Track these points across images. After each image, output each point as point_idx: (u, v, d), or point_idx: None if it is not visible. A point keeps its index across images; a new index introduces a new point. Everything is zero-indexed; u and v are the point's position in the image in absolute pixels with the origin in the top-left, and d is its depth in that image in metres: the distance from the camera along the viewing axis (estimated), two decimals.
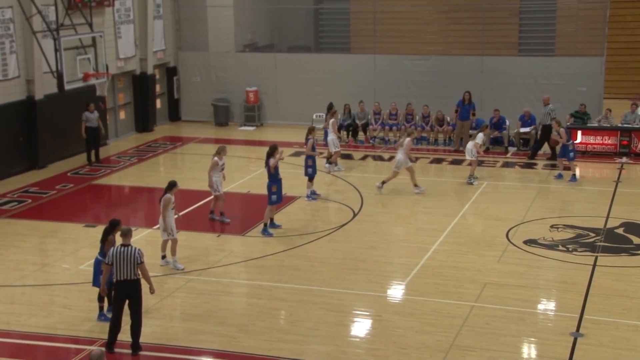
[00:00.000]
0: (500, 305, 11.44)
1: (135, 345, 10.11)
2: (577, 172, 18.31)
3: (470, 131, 20.52)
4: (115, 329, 10.06)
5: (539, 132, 20.34)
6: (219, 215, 15.30)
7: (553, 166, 19.49)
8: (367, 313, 11.42)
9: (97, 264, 10.97)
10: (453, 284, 12.25)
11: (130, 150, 21.69)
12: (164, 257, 13.18)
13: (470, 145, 18.02)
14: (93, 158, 20.08)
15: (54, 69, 17.27)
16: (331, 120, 19.09)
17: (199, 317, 11.17)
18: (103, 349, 9.44)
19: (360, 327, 11.13)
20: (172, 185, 12.74)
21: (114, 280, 10.00)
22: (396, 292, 12.24)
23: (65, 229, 15.05)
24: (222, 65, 25.02)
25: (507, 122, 21.34)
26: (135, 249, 9.94)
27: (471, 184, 17.70)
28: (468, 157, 18.06)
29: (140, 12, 23.34)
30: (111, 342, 10.08)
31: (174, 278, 12.64)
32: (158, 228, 13.24)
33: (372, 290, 12.11)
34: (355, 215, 15.71)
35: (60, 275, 12.85)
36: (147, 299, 11.49)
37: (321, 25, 29.55)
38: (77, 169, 19.59)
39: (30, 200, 16.97)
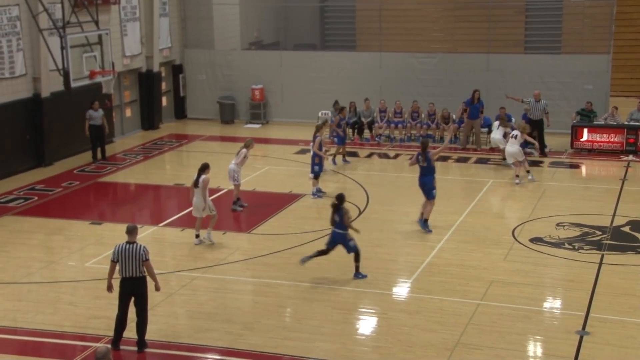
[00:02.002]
0: (507, 303, 11.42)
1: (141, 343, 10.13)
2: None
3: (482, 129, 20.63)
4: (120, 326, 10.09)
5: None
6: (237, 201, 15.89)
7: (556, 164, 19.45)
8: (373, 311, 11.41)
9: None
10: (459, 282, 12.23)
11: (136, 147, 21.72)
12: (197, 236, 13.90)
13: (513, 148, 17.65)
14: (99, 155, 20.13)
15: (60, 66, 17.31)
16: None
17: (205, 314, 11.19)
18: (109, 346, 9.45)
19: (366, 324, 11.13)
20: (205, 166, 13.76)
21: (120, 277, 10.01)
22: (402, 289, 12.23)
23: (71, 227, 15.09)
24: (227, 63, 25.03)
25: (513, 120, 21.27)
26: (140, 246, 9.95)
27: (533, 180, 17.61)
28: (515, 159, 17.66)
29: (146, 10, 23.37)
30: (117, 340, 10.10)
31: (179, 276, 12.66)
32: (191, 210, 14.10)
33: (378, 288, 12.11)
34: (361, 212, 15.71)
35: (66, 273, 12.89)
36: (152, 296, 11.50)
37: (327, 23, 29.52)
38: (83, 166, 19.64)
39: (36, 198, 17.02)
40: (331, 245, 12.50)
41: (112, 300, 10.68)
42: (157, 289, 10.23)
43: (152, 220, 15.64)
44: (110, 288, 10.13)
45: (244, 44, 26.74)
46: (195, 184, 13.77)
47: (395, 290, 12.21)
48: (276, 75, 24.60)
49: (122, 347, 10.12)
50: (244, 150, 15.74)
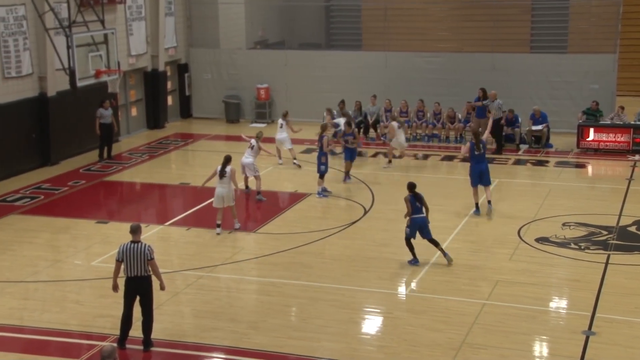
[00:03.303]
0: (512, 303, 11.40)
1: (147, 342, 10.15)
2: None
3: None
4: (126, 325, 10.10)
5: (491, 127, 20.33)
6: (257, 194, 16.47)
7: (562, 163, 19.42)
8: (378, 310, 11.41)
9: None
10: (464, 281, 12.22)
11: (142, 147, 21.75)
12: (219, 225, 14.43)
13: (400, 138, 18.88)
14: (105, 155, 20.17)
15: (66, 66, 17.34)
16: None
17: (210, 313, 11.20)
18: (114, 344, 9.47)
19: (371, 324, 11.12)
20: (230, 158, 14.51)
21: (125, 277, 10.02)
22: (407, 289, 12.22)
23: (77, 226, 15.12)
24: (233, 62, 25.05)
25: (520, 120, 21.26)
26: (145, 245, 9.97)
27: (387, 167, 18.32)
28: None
29: (151, 9, 23.39)
30: (123, 338, 10.12)
31: (185, 275, 12.67)
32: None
33: (383, 288, 12.10)
34: (366, 212, 15.70)
35: (72, 272, 12.91)
36: (158, 295, 11.52)
37: (332, 22, 29.50)
38: (89, 165, 19.68)
39: (42, 197, 17.06)
40: (414, 234, 12.85)
41: (118, 299, 10.69)
42: (162, 288, 10.25)
43: (157, 220, 15.66)
44: (115, 288, 10.14)
45: (249, 43, 26.75)
46: (222, 174, 14.24)
47: (400, 289, 12.21)
48: (281, 74, 24.61)
49: (127, 345, 10.14)
50: (254, 141, 16.52)
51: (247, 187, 17.00)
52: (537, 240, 13.95)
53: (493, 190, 17.08)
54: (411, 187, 12.95)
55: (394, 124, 19.24)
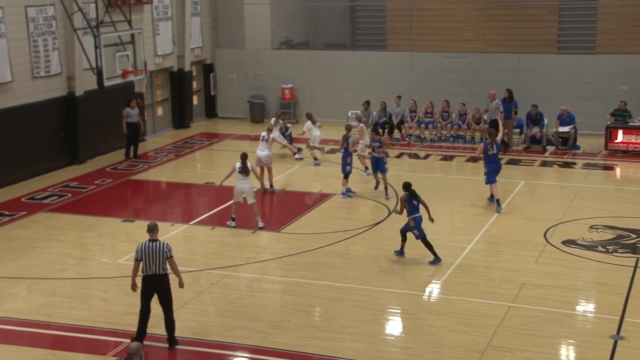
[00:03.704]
0: (538, 306, 11.30)
1: (171, 340, 10.22)
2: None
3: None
4: (144, 322, 10.17)
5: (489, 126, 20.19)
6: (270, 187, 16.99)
7: (589, 165, 19.21)
8: (402, 311, 11.38)
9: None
10: (489, 283, 12.14)
11: (168, 146, 21.92)
12: (234, 219, 14.75)
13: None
14: (131, 154, 20.35)
15: (94, 65, 17.51)
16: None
17: (234, 312, 11.25)
18: (140, 342, 9.54)
19: (395, 325, 11.10)
20: (246, 155, 14.79)
21: (142, 275, 10.08)
22: (431, 290, 12.17)
23: (104, 224, 15.28)
24: (258, 63, 25.14)
25: (546, 121, 21.06)
26: (164, 243, 10.05)
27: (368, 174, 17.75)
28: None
29: (178, 10, 23.57)
30: (142, 336, 10.18)
31: (209, 274, 12.74)
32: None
33: (407, 289, 12.07)
34: (390, 213, 15.66)
35: (98, 269, 13.05)
36: (183, 294, 11.63)
37: (357, 22, 29.47)
38: (115, 164, 19.87)
39: (70, 195, 17.26)
40: (423, 232, 12.94)
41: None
42: (181, 285, 10.31)
43: (182, 219, 15.77)
44: (134, 286, 10.21)
45: (274, 44, 26.82)
46: (245, 170, 14.44)
47: (424, 291, 12.15)
48: (306, 74, 24.64)
49: (153, 343, 10.20)
50: (264, 133, 17.18)
51: (271, 185, 17.07)
52: (564, 242, 13.81)
53: (518, 192, 16.95)
54: (407, 186, 13.10)
55: (361, 125, 18.41)
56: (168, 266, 10.06)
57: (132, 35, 18.35)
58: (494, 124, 19.51)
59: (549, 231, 14.41)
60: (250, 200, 14.61)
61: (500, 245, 13.80)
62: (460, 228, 14.92)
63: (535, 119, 20.77)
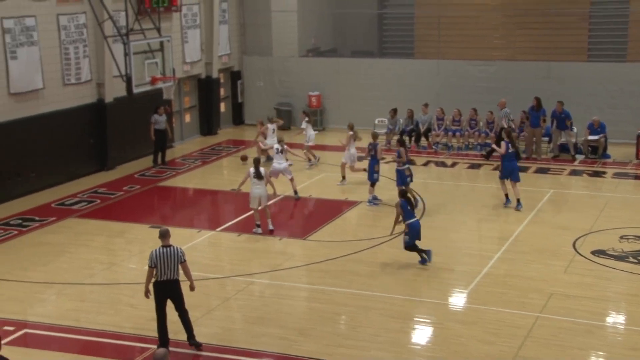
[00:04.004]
0: (567, 317, 11.14)
1: (191, 335, 10.27)
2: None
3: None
4: (164, 327, 10.23)
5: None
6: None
7: (620, 175, 18.92)
8: (429, 320, 11.29)
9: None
10: (517, 293, 12.00)
11: (195, 153, 22.07)
12: (259, 225, 14.91)
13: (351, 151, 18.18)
14: (159, 160, 20.52)
15: (123, 72, 17.72)
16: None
17: (260, 319, 11.26)
18: (166, 349, 9.60)
19: (422, 334, 11.02)
20: (259, 159, 15.20)
21: (155, 280, 10.12)
22: (458, 299, 12.08)
23: (132, 230, 15.41)
24: (285, 70, 25.22)
25: (575, 129, 20.83)
26: (177, 248, 10.17)
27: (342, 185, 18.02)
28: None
29: (206, 17, 23.76)
30: (165, 342, 10.23)
31: (235, 280, 12.78)
32: (251, 206, 14.93)
33: (434, 298, 11.98)
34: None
35: (126, 275, 13.16)
36: (209, 301, 11.71)
37: (385, 30, 29.42)
38: (143, 170, 20.05)
39: (99, 201, 17.44)
40: (417, 237, 13.11)
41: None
42: (192, 288, 10.38)
43: (209, 225, 15.84)
44: (147, 293, 10.28)
45: (302, 51, 26.87)
46: (259, 175, 14.64)
47: (451, 300, 12.06)
48: (333, 82, 24.67)
49: (179, 350, 10.25)
50: (277, 146, 17.44)
51: (295, 192, 17.11)
52: (594, 252, 13.62)
53: (547, 201, 16.77)
54: (402, 192, 13.28)
55: (351, 133, 18.17)
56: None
57: (161, 43, 18.54)
58: (501, 133, 19.35)
59: (578, 241, 14.22)
60: (264, 204, 14.86)
61: (528, 255, 13.65)
62: (487, 237, 14.79)
63: (560, 117, 20.44)
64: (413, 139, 22.09)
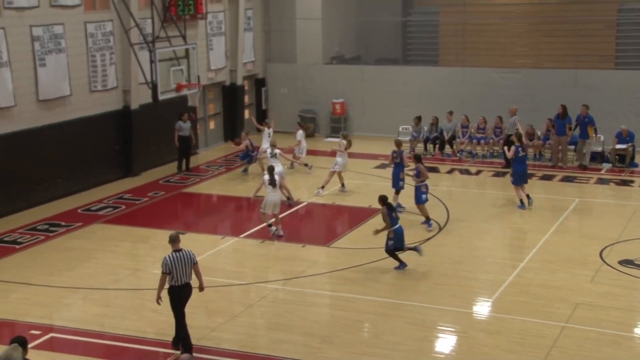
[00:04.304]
0: (594, 327, 10.99)
1: (177, 343, 10.36)
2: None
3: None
4: (185, 332, 10.30)
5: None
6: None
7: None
8: (453, 329, 11.21)
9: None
10: (542, 302, 11.86)
11: (219, 159, 22.17)
12: (271, 225, 15.18)
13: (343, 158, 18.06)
14: (184, 167, 20.65)
15: (149, 79, 17.86)
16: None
17: (283, 326, 11.25)
18: (190, 354, 9.62)
19: (446, 343, 10.93)
20: (273, 167, 15.46)
21: (170, 285, 10.17)
22: (483, 308, 11.97)
23: (156, 236, 15.49)
24: (309, 77, 25.28)
25: (602, 138, 20.58)
26: (189, 251, 10.28)
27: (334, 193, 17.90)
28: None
29: (231, 25, 23.91)
30: (189, 347, 10.27)
31: (258, 287, 12.79)
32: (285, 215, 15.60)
33: (458, 306, 11.89)
34: (441, 229, 15.49)
35: (151, 281, 13.20)
36: (232, 308, 11.73)
37: (409, 37, 29.38)
38: (168, 177, 20.18)
39: (124, 207, 17.59)
40: (401, 243, 13.31)
41: (194, 310, 10.91)
42: (202, 288, 10.50)
43: (233, 232, 15.89)
44: (160, 299, 10.32)
45: (326, 58, 26.91)
46: (273, 182, 14.92)
47: (475, 309, 11.96)
48: (357, 89, 24.67)
49: (203, 356, 10.28)
50: (277, 151, 17.95)
51: (288, 198, 17.16)
52: (621, 262, 13.43)
53: (573, 209, 16.64)
54: (384, 199, 13.34)
55: (344, 142, 18.18)
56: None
57: (187, 50, 18.67)
58: (509, 140, 19.25)
59: (605, 250, 14.03)
60: (277, 211, 15.10)
61: (554, 264, 13.50)
62: (512, 245, 14.66)
63: (584, 121, 20.16)
64: (437, 146, 21.99)
